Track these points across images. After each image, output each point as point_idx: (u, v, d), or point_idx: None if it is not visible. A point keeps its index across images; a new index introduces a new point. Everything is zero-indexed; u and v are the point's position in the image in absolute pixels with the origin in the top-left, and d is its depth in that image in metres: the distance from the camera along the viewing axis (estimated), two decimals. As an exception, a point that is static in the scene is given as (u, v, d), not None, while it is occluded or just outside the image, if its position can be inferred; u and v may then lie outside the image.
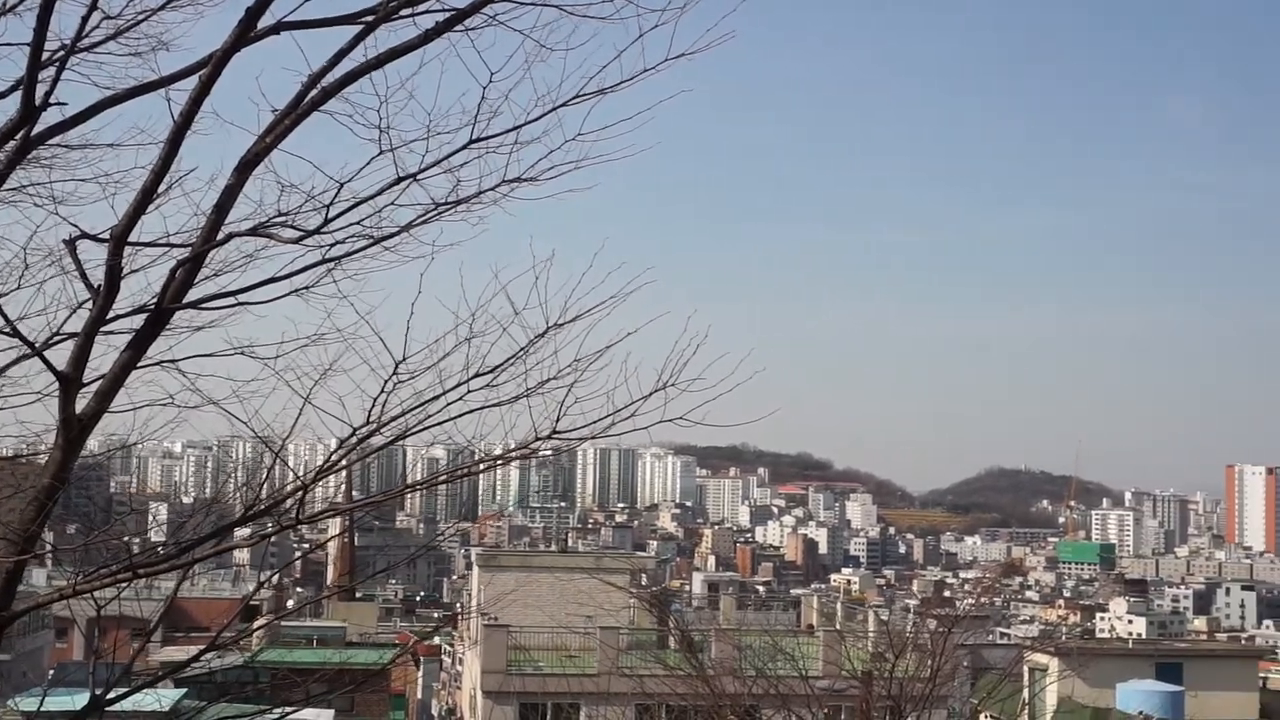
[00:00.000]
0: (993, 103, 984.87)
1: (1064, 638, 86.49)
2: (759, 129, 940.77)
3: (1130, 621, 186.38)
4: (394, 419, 8.63)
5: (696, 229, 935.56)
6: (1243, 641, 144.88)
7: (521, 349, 8.54)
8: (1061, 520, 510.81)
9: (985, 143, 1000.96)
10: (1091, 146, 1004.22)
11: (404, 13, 7.91)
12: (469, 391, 8.57)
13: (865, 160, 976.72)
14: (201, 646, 9.72)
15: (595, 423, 8.44)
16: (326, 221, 8.29)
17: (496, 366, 8.59)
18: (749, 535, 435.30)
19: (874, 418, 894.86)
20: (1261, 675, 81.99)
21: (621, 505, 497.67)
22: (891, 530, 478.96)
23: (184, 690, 21.50)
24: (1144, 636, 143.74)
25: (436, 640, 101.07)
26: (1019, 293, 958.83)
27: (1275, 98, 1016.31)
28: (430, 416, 8.65)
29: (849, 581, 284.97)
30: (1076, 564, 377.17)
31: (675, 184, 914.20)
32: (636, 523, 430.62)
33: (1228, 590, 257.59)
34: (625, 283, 8.52)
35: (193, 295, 8.29)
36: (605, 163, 8.27)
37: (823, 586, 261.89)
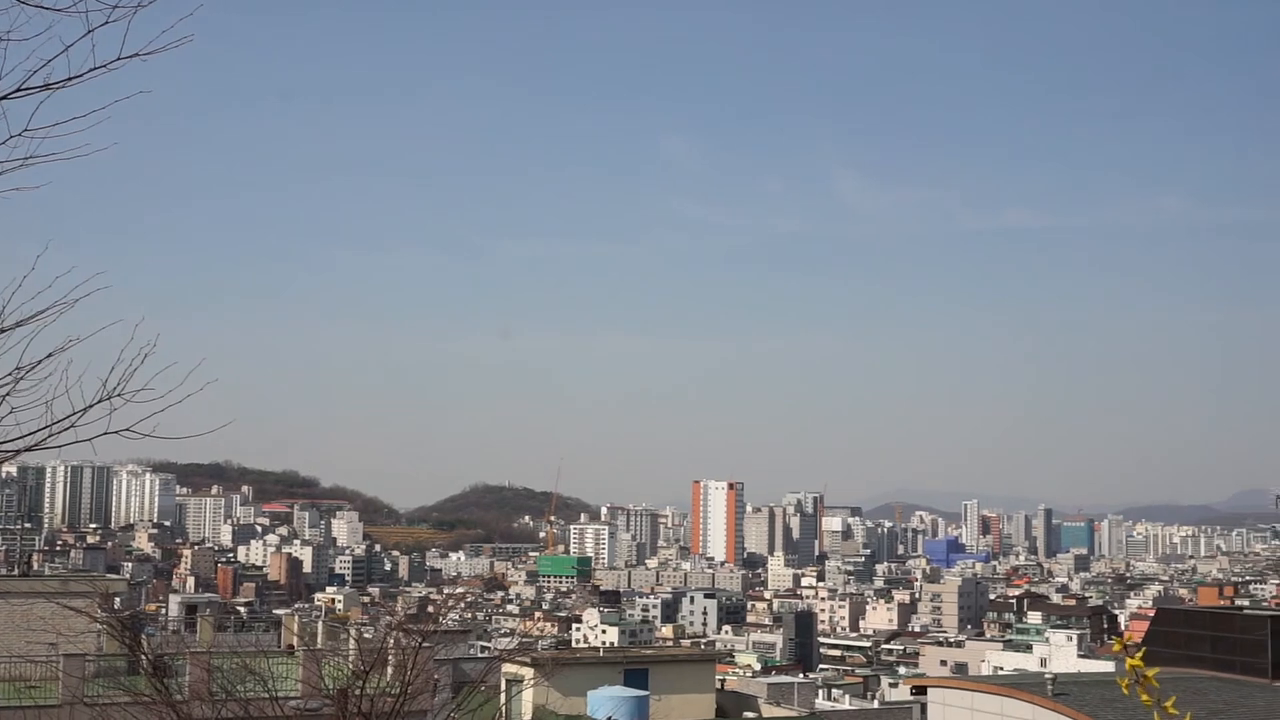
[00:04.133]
0: (541, 142, 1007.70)
1: (540, 648, 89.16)
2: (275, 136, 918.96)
3: (604, 631, 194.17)
4: None
5: (175, 234, 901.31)
6: (703, 646, 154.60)
7: (-45, 357, 7.98)
8: (542, 535, 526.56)
9: (505, 183, 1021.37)
10: (610, 180, 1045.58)
11: None
12: (-107, 402, 7.91)
13: (385, 180, 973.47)
14: None
15: (30, 435, 7.98)
16: None
17: (-74, 375, 7.98)
18: (231, 555, 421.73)
19: (361, 435, 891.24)
20: (720, 676, 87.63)
21: (94, 525, 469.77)
22: (378, 547, 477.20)
23: None
24: (615, 645, 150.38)
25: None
26: (513, 317, 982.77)
27: (762, 133, 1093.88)
28: None
29: (333, 600, 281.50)
30: (555, 577, 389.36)
31: (144, 187, 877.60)
32: (110, 543, 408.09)
33: (692, 599, 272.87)
34: (74, 287, 8.14)
35: None
36: (57, 161, 7.88)
37: (306, 606, 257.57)
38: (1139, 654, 5.57)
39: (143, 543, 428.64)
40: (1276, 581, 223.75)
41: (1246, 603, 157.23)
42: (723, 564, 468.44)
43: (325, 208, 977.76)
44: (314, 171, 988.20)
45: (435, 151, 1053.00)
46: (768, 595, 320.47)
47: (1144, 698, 5.53)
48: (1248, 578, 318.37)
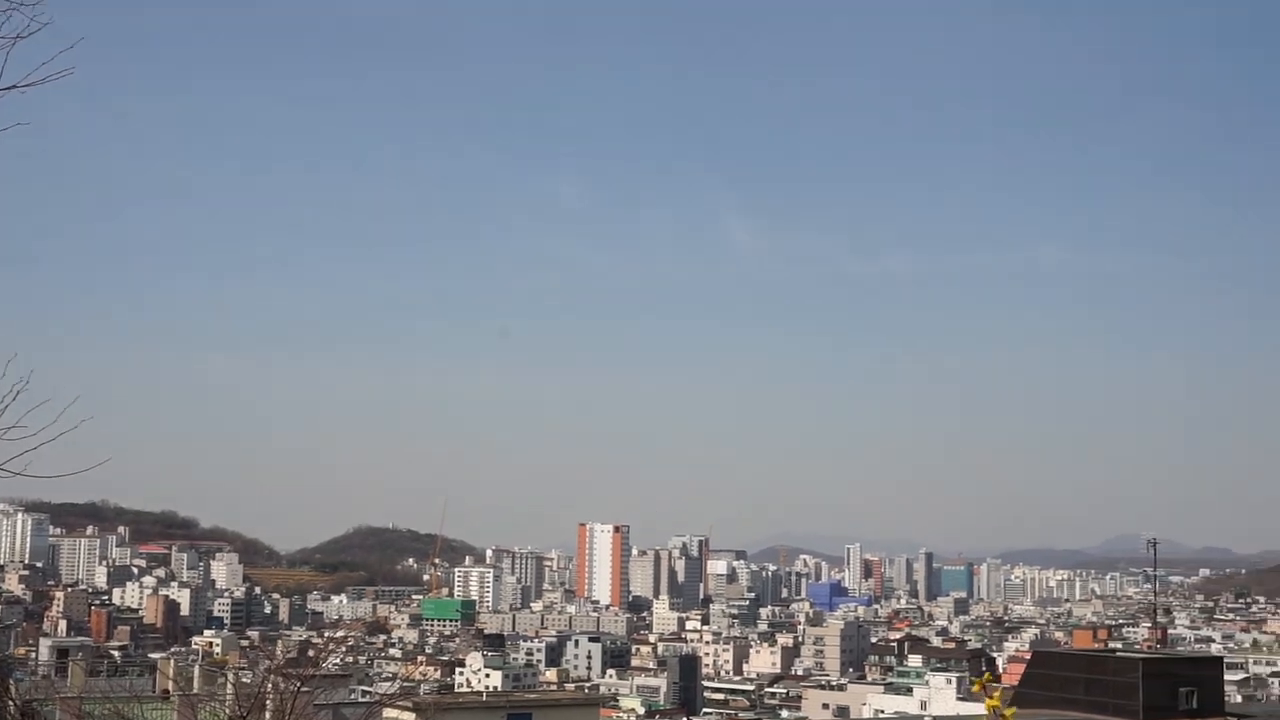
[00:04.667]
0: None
1: (422, 693, 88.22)
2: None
3: (488, 674, 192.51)
4: None
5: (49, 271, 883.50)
6: (587, 690, 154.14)
7: None
8: (426, 577, 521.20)
9: (376, 221, 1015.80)
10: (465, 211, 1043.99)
11: None
12: None
13: (250, 210, 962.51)
14: None
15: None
16: None
17: None
18: (106, 597, 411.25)
19: (242, 475, 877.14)
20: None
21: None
22: (258, 590, 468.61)
23: None
24: (499, 688, 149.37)
25: None
26: (389, 353, 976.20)
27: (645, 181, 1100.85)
28: None
29: (211, 644, 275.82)
30: (439, 620, 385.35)
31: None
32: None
33: (577, 642, 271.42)
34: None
35: None
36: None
37: (183, 649, 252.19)
38: (996, 694, 5.81)
39: (13, 584, 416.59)
40: (1148, 624, 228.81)
41: (1119, 645, 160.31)
42: (608, 607, 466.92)
43: (205, 238, 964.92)
44: (189, 201, 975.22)
45: (300, 188, 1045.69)
46: (652, 638, 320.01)
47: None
48: (1120, 620, 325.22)
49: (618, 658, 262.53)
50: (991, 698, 6.03)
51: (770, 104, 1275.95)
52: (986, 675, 6.06)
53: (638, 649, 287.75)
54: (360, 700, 69.96)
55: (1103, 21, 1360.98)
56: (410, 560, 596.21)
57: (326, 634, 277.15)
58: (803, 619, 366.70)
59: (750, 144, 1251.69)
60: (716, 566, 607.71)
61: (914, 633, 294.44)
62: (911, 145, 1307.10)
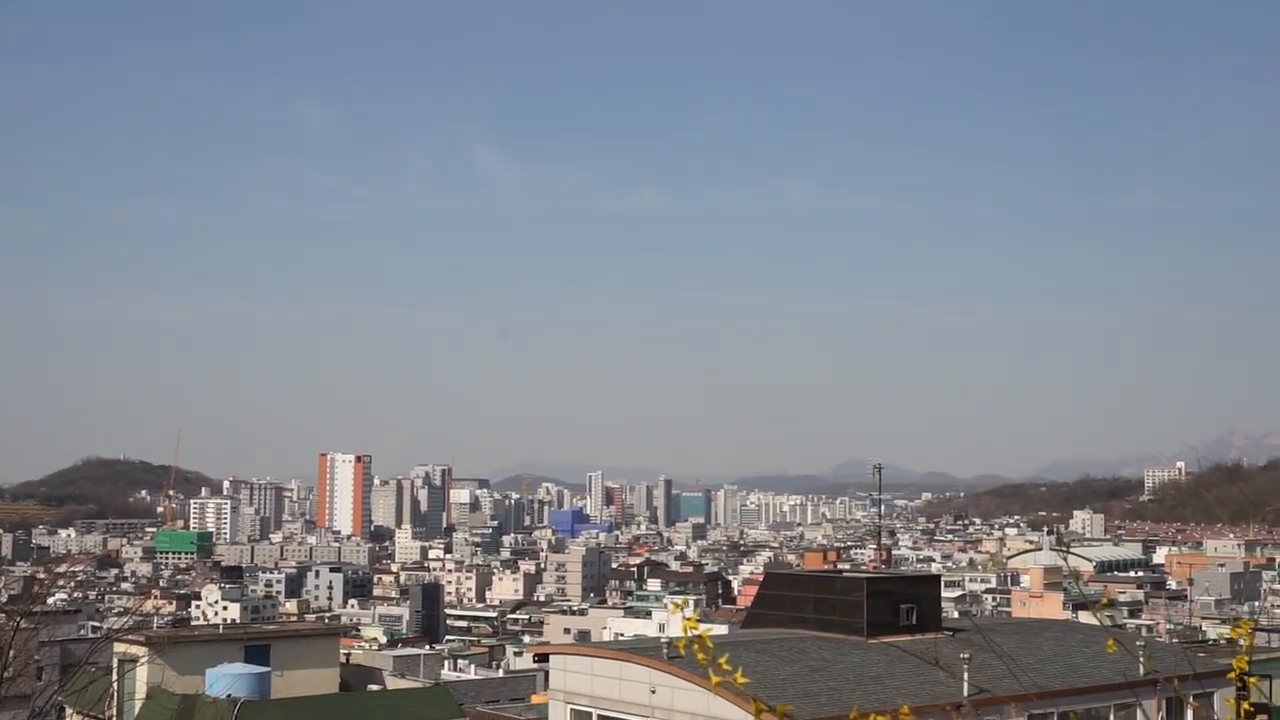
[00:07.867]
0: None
1: (155, 627, 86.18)
2: None
3: (225, 608, 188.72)
4: None
5: None
6: (327, 621, 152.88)
7: None
8: (160, 510, 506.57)
9: (118, 143, 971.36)
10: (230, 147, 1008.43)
11: None
12: None
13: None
14: None
15: None
16: None
17: None
18: None
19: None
20: (345, 651, 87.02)
21: None
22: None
23: None
24: (237, 621, 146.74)
25: None
26: (124, 282, 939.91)
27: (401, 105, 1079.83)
28: None
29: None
30: (174, 553, 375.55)
31: None
32: None
33: (317, 573, 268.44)
34: None
35: None
36: None
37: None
38: (695, 616, 6.18)
39: None
40: (875, 546, 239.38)
41: (847, 566, 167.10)
42: (350, 537, 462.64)
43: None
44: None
45: (41, 111, 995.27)
46: (395, 568, 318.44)
47: (700, 656, 6.14)
48: (849, 543, 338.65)
49: (359, 588, 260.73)
50: (689, 619, 6.42)
51: (523, 41, 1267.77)
52: (685, 616, 6.44)
53: (380, 579, 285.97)
54: (89, 636, 68.01)
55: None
56: (143, 492, 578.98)
57: (52, 568, 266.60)
58: (545, 546, 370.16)
59: (503, 79, 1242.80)
60: (460, 495, 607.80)
61: (653, 558, 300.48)
62: (661, 84, 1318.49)
